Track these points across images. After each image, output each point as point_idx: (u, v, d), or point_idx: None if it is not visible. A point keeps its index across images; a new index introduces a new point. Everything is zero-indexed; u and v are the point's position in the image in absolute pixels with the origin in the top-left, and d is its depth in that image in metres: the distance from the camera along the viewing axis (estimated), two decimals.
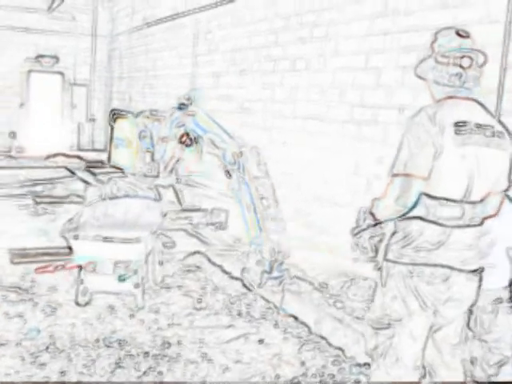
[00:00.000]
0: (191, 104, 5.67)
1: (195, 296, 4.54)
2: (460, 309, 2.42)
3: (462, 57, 2.37)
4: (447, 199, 2.31)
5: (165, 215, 4.58)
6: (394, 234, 2.42)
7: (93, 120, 13.96)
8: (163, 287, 4.68)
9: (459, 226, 2.34)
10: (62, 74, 13.57)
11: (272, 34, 6.75)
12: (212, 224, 5.51)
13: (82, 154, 12.22)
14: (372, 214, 2.43)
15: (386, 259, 2.42)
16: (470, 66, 2.38)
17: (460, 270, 2.35)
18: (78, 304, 4.19)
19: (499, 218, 2.49)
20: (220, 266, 5.22)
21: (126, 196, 4.79)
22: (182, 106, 5.62)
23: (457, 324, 2.45)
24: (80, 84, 13.76)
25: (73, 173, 10.46)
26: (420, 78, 2.50)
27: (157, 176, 5.91)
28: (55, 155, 11.75)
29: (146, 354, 3.53)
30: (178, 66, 9.77)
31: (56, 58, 13.31)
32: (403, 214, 2.34)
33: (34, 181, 9.51)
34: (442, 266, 2.34)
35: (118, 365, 3.38)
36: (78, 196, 7.95)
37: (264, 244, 4.38)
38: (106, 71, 13.75)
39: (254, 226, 4.45)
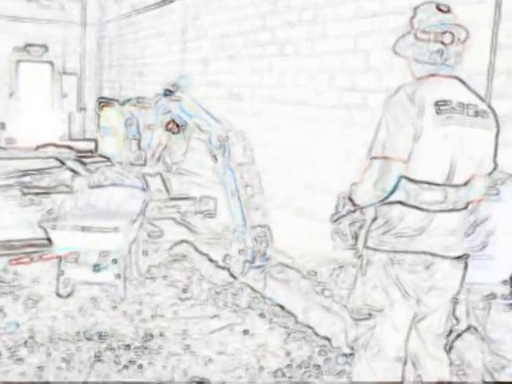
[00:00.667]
0: (177, 90, 5.57)
1: (180, 286, 4.45)
2: (444, 297, 2.31)
3: (444, 32, 2.24)
4: (429, 183, 2.19)
5: (147, 204, 4.46)
6: (374, 220, 2.30)
7: (83, 109, 13.80)
8: (148, 277, 4.58)
9: (442, 211, 2.22)
10: (51, 63, 13.38)
11: (260, 18, 6.62)
12: (200, 212, 5.43)
13: (72, 143, 12.08)
14: (351, 200, 2.31)
15: (365, 246, 2.30)
16: (451, 42, 2.25)
17: (443, 257, 2.23)
18: (59, 296, 4.09)
19: (500, 204, 2.35)
20: (207, 255, 5.12)
21: (111, 185, 4.67)
22: (167, 93, 5.52)
23: (441, 313, 2.33)
24: (70, 73, 13.59)
25: (62, 163, 10.34)
26: (399, 55, 2.38)
27: (144, 164, 5.82)
28: (45, 145, 11.62)
29: (127, 346, 3.44)
30: (166, 53, 9.64)
31: (45, 47, 13.12)
32: (383, 199, 2.22)
33: (23, 171, 9.39)
34: (425, 253, 2.22)
35: (98, 358, 3.29)
36: (67, 186, 7.83)
37: (247, 233, 4.28)
38: (96, 60, 13.58)
39: (238, 213, 4.35)
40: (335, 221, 2.36)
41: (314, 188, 5.56)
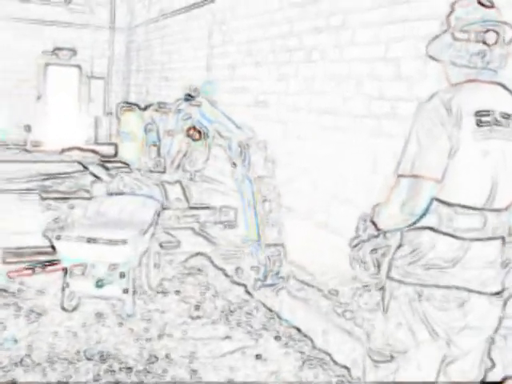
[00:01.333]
0: (198, 95, 5.35)
1: (193, 302, 4.20)
2: (479, 338, 1.98)
3: (486, 31, 1.91)
4: (465, 206, 1.87)
5: (159, 214, 4.22)
6: (399, 247, 1.99)
7: (110, 113, 13.72)
8: (159, 292, 4.34)
9: (479, 239, 1.89)
10: (79, 67, 13.38)
11: (287, 23, 6.41)
12: (220, 222, 5.19)
13: (97, 147, 11.99)
14: (374, 223, 2.01)
15: (389, 277, 1.98)
16: (495, 43, 1.92)
17: (480, 293, 1.90)
18: (64, 309, 3.87)
19: None
20: (223, 270, 4.86)
21: (123, 193, 4.46)
22: (188, 97, 5.31)
23: (474, 355, 1.99)
24: (97, 77, 13.56)
25: (85, 167, 10.24)
26: (433, 58, 2.07)
27: (163, 172, 5.60)
28: (70, 149, 11.56)
29: (129, 369, 3.19)
30: (193, 59, 9.52)
31: (73, 51, 13.12)
32: (411, 224, 1.91)
33: (44, 175, 9.29)
34: (458, 288, 1.89)
35: (97, 382, 3.04)
36: (87, 191, 7.68)
37: (260, 250, 4.02)
38: (124, 64, 13.53)
39: (254, 226, 4.10)
40: (355, 246, 2.07)
41: (339, 200, 5.29)
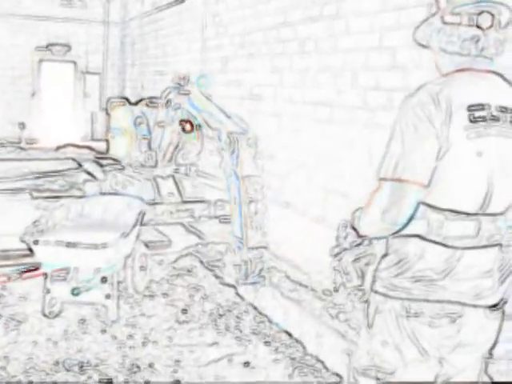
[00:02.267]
0: (187, 83, 5.16)
1: (180, 306, 4.03)
2: (474, 354, 1.78)
3: (480, 13, 1.69)
4: (457, 211, 1.66)
5: (143, 216, 4.04)
6: (384, 256, 1.78)
7: (106, 109, 13.54)
8: (146, 295, 4.17)
9: (473, 247, 1.69)
10: (74, 62, 13.19)
11: (281, 13, 6.23)
12: (215, 217, 5.02)
13: (93, 144, 11.81)
14: (355, 230, 1.81)
15: (373, 290, 1.78)
16: (490, 26, 1.69)
17: (474, 306, 1.70)
18: (45, 316, 3.71)
19: None
20: (213, 270, 4.69)
21: (106, 193, 4.29)
22: (177, 86, 5.12)
23: (470, 373, 1.78)
24: (92, 72, 13.39)
25: (80, 164, 10.07)
26: (422, 45, 1.86)
27: (155, 166, 5.43)
28: (65, 146, 11.39)
29: (109, 381, 3.02)
30: (187, 51, 9.36)
31: (68, 47, 12.94)
32: (395, 232, 1.70)
33: (37, 173, 9.12)
34: (450, 302, 1.69)
35: None
36: (79, 189, 7.51)
37: (244, 248, 3.85)
38: (119, 59, 13.35)
39: (237, 223, 3.93)
40: (336, 255, 1.87)
41: (336, 194, 5.13)
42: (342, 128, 5.06)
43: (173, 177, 5.32)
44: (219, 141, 4.41)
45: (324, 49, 5.39)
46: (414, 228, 1.69)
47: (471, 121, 1.65)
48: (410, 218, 1.66)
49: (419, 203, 1.66)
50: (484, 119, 1.66)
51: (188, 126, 5.25)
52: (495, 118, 1.67)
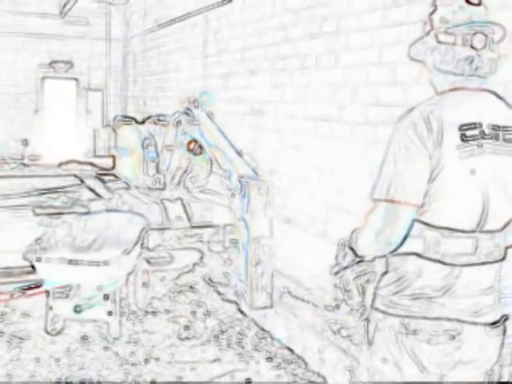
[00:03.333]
0: (198, 106, 5.11)
1: (183, 323, 4.03)
2: (476, 371, 1.78)
3: (474, 34, 1.71)
4: (453, 229, 1.68)
5: (146, 232, 4.06)
6: (384, 274, 1.79)
7: (108, 125, 13.61)
8: (148, 312, 4.18)
9: (472, 265, 1.70)
10: (76, 79, 13.28)
11: (281, 30, 6.29)
12: (224, 241, 4.94)
13: (96, 160, 11.85)
14: (353, 250, 1.83)
15: (373, 308, 1.79)
16: (484, 46, 1.71)
17: (474, 324, 1.71)
18: (48, 333, 3.71)
19: None
20: (215, 286, 4.69)
21: (108, 211, 4.31)
22: (187, 111, 5.06)
23: None
24: (95, 89, 13.47)
25: (82, 181, 10.09)
26: (415, 60, 1.87)
27: (163, 189, 5.38)
28: (68, 162, 11.43)
29: None
30: (189, 68, 9.41)
31: (70, 64, 13.03)
32: (392, 251, 1.72)
33: (40, 190, 9.14)
34: (449, 320, 1.70)
35: None
36: (83, 206, 7.52)
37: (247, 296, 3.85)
38: (121, 75, 13.43)
39: (243, 268, 3.92)
40: (335, 274, 1.88)
41: (337, 210, 5.15)
42: (343, 143, 5.08)
43: (181, 200, 5.24)
44: (229, 180, 4.32)
45: (324, 65, 5.43)
46: (411, 246, 1.71)
47: (463, 140, 1.66)
48: (405, 238, 1.68)
49: (414, 221, 1.67)
50: (476, 138, 1.67)
51: (197, 149, 5.20)
52: (487, 136, 1.68)
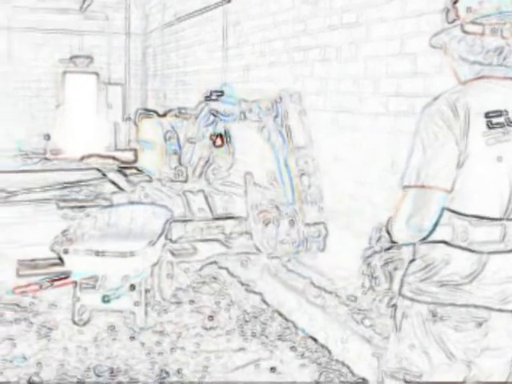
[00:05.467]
0: (222, 95, 5.13)
1: (207, 313, 4.08)
2: (502, 359, 1.79)
3: (503, 23, 1.68)
4: (481, 217, 1.69)
5: (170, 224, 4.11)
6: (412, 261, 1.81)
7: (129, 119, 13.72)
8: (173, 303, 4.23)
9: (500, 252, 1.71)
10: (96, 73, 13.38)
11: (301, 22, 6.28)
12: (247, 233, 4.97)
13: (117, 153, 11.95)
14: (389, 234, 1.82)
15: (401, 295, 1.82)
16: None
17: (501, 311, 1.73)
18: (75, 323, 3.79)
19: None
20: (238, 277, 4.73)
21: (132, 203, 4.37)
22: (213, 97, 5.08)
23: (498, 378, 1.80)
24: (115, 83, 13.57)
25: (104, 174, 10.20)
26: (436, 47, 1.87)
27: (185, 181, 5.41)
28: (89, 156, 11.54)
29: None
30: (208, 61, 9.43)
31: (90, 58, 13.14)
32: (423, 239, 1.73)
33: (62, 184, 9.26)
34: (476, 307, 1.72)
35: None
36: (105, 199, 7.60)
37: (298, 216, 3.67)
38: (141, 69, 13.52)
39: (288, 187, 3.77)
40: (368, 257, 1.90)
41: (359, 202, 5.15)
42: (365, 135, 5.08)
43: (203, 192, 5.26)
44: (258, 116, 4.23)
45: (345, 56, 5.42)
46: (440, 234, 1.73)
47: (489, 127, 1.68)
48: (435, 224, 1.70)
49: (443, 209, 1.69)
50: (502, 125, 1.69)
51: (218, 141, 5.23)
52: None
